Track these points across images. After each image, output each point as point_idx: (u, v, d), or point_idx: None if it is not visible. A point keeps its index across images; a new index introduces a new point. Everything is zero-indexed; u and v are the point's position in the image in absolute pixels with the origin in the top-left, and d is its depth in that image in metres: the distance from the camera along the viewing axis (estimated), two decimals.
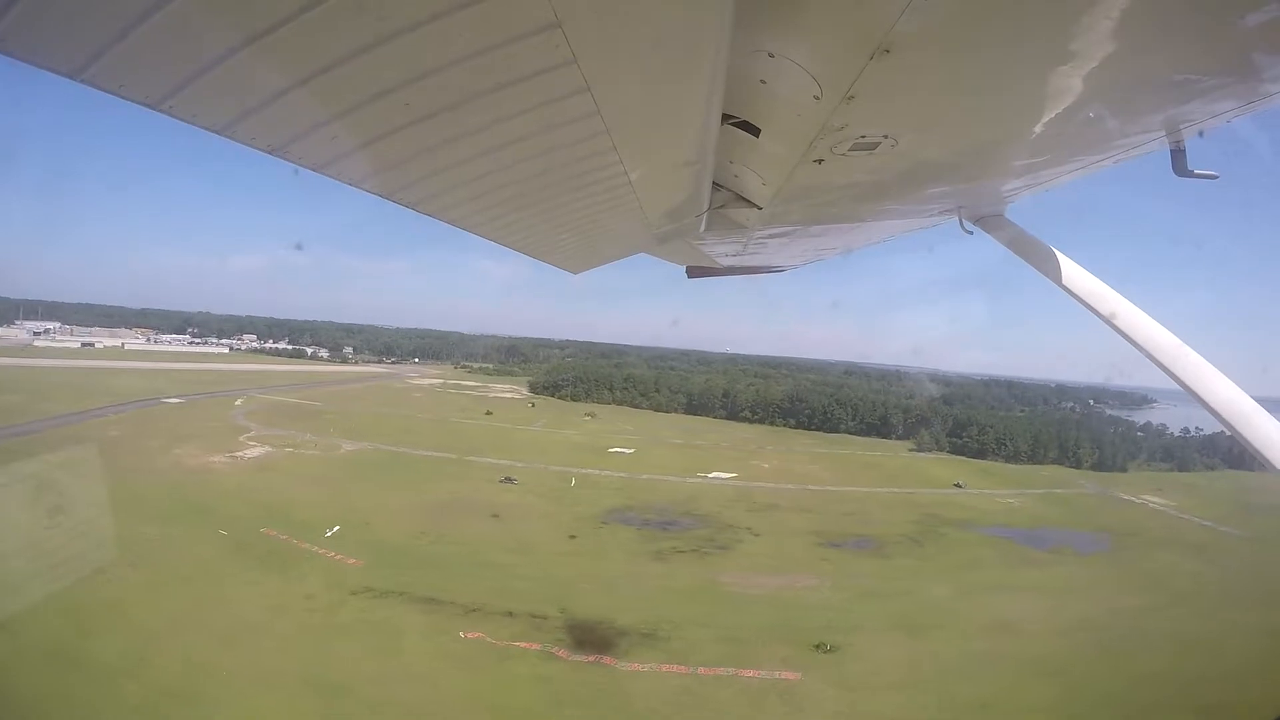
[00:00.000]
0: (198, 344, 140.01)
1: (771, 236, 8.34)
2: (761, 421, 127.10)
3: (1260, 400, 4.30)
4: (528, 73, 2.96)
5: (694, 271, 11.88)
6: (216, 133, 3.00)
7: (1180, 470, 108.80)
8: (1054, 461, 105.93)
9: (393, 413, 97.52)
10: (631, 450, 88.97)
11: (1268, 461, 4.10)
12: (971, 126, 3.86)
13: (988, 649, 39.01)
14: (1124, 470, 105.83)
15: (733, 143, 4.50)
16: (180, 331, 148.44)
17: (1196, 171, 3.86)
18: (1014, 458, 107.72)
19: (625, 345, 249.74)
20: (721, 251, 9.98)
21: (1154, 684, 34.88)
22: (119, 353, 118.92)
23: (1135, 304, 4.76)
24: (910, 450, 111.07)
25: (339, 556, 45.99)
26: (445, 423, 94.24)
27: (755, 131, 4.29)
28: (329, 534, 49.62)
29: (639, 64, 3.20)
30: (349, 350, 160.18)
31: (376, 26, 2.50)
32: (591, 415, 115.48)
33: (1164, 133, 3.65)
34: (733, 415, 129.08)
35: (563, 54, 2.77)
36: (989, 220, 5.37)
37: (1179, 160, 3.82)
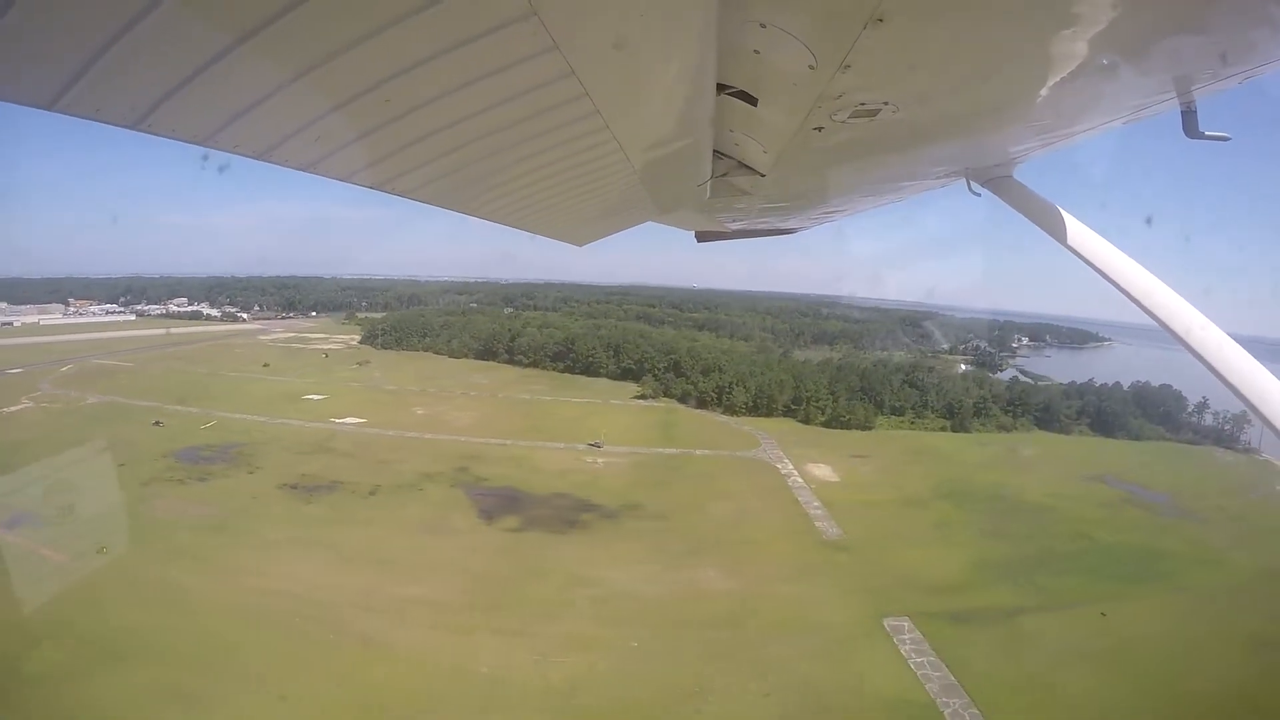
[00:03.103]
0: (116, 313, 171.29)
1: (778, 201, 8.65)
2: (535, 366, 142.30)
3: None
4: (509, 62, 3.07)
5: (703, 236, 12.53)
6: (199, 144, 3.08)
7: (956, 430, 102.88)
8: (787, 414, 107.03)
9: (184, 369, 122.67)
10: (323, 397, 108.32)
11: (1255, 413, 4.23)
12: (973, 91, 3.82)
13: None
14: (868, 428, 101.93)
15: (731, 112, 4.64)
16: (114, 300, 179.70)
17: (1208, 133, 3.83)
18: (734, 409, 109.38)
19: (576, 284, 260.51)
20: (729, 216, 10.41)
21: None
22: (33, 329, 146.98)
23: (1141, 264, 4.78)
24: (634, 398, 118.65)
25: None
26: (212, 376, 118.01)
27: (753, 101, 4.37)
28: None
29: (623, 45, 3.23)
30: (257, 308, 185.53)
31: (351, 27, 2.59)
32: (362, 363, 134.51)
33: (1174, 93, 3.59)
34: (512, 360, 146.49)
35: (542, 41, 2.88)
36: (997, 182, 5.44)
37: (1190, 121, 3.80)
